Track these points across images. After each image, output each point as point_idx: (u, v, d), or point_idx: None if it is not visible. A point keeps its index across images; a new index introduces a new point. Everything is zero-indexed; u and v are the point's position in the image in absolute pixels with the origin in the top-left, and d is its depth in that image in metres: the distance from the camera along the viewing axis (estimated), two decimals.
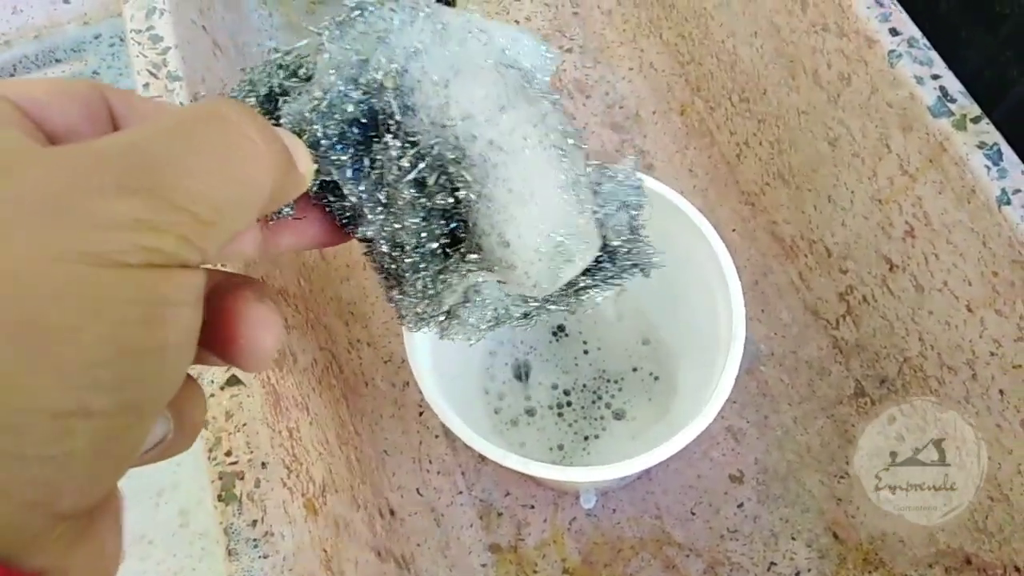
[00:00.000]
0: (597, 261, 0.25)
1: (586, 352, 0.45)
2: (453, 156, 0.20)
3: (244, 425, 0.31)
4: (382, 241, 0.21)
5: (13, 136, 0.14)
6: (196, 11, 0.47)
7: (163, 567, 0.43)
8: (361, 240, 0.22)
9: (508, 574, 0.42)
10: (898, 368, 0.43)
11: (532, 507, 0.44)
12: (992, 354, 0.36)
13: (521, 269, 0.21)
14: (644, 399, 0.44)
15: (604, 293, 0.26)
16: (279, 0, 0.64)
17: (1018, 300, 0.34)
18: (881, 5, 0.39)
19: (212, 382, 0.31)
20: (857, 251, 0.43)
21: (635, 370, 0.45)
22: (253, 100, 0.21)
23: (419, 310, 0.23)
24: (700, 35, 0.53)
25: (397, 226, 0.21)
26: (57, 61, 0.61)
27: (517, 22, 0.61)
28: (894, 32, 0.38)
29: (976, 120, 0.35)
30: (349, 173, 0.20)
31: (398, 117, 0.20)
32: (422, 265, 0.22)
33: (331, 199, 0.21)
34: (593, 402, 0.44)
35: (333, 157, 0.20)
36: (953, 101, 0.36)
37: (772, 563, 0.41)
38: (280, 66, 0.21)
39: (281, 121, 0.20)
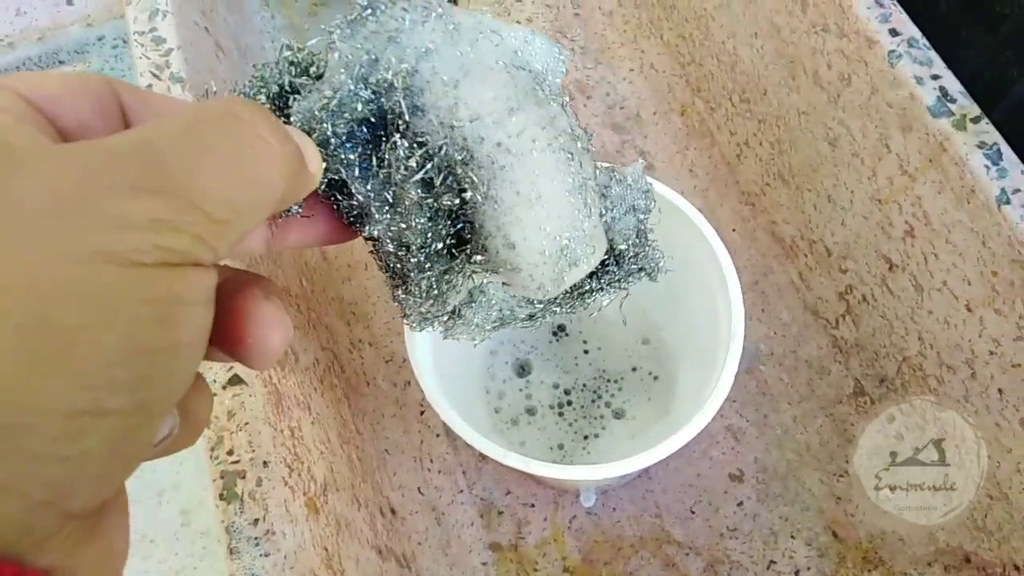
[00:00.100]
0: (603, 265, 0.25)
1: (586, 352, 0.46)
2: (461, 157, 0.20)
3: (246, 424, 0.31)
4: (388, 240, 0.21)
5: (25, 132, 0.14)
6: (199, 13, 0.47)
7: (165, 566, 0.43)
8: (367, 239, 0.22)
9: (509, 572, 0.42)
10: (897, 367, 0.43)
11: (532, 506, 0.44)
12: (991, 353, 0.36)
13: (526, 272, 0.21)
14: (644, 398, 0.44)
15: (609, 296, 0.26)
16: (282, 2, 0.64)
17: (1017, 299, 0.34)
18: (881, 5, 0.39)
19: (214, 381, 0.32)
20: (857, 251, 0.44)
21: (635, 370, 0.45)
22: (264, 97, 0.21)
23: (423, 310, 0.23)
24: (701, 36, 0.53)
25: (403, 226, 0.21)
26: (60, 63, 0.61)
27: (518, 23, 0.61)
28: (894, 32, 0.38)
29: (976, 120, 0.35)
30: (357, 172, 0.20)
31: (407, 117, 0.20)
32: (427, 265, 0.22)
33: (338, 197, 0.21)
34: (593, 401, 0.44)
35: (342, 156, 0.20)
36: (953, 101, 0.36)
37: (772, 561, 0.42)
38: (292, 63, 0.21)
39: (291, 119, 0.20)
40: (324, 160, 0.20)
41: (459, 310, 0.25)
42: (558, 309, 0.27)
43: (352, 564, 0.34)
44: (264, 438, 0.31)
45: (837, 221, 0.44)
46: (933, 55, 0.37)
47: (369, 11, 0.21)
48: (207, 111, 0.15)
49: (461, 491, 0.44)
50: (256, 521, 0.29)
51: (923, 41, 0.38)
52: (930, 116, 0.36)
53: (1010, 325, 0.35)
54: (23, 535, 0.12)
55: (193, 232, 0.13)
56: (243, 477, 0.30)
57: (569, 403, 0.44)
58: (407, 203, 0.20)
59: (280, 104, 0.21)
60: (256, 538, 0.29)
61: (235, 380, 0.32)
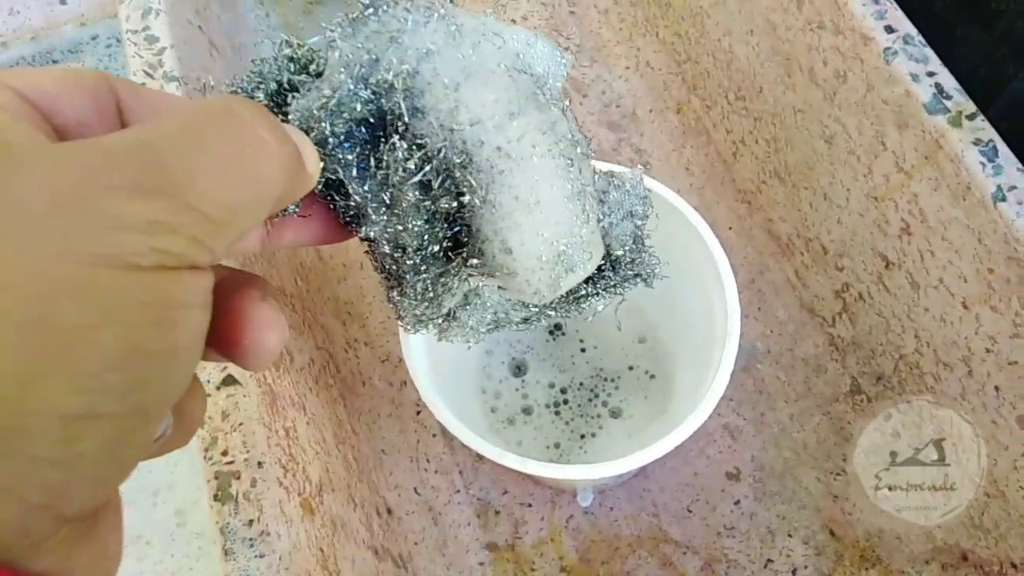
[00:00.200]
0: (599, 270, 0.25)
1: (583, 351, 0.45)
2: (460, 160, 0.20)
3: (240, 425, 0.31)
4: (384, 242, 0.21)
5: (22, 130, 0.14)
6: (192, 11, 0.47)
7: (160, 567, 0.43)
8: (363, 240, 0.22)
9: (506, 572, 0.42)
10: (894, 365, 0.43)
11: (529, 505, 0.44)
12: (988, 351, 0.36)
13: (522, 276, 0.21)
14: (640, 397, 0.44)
15: (605, 301, 0.26)
16: (276, 0, 0.64)
17: (1013, 297, 0.34)
18: (876, 2, 0.39)
19: (208, 382, 0.31)
20: (853, 248, 0.44)
21: (631, 368, 0.45)
22: (262, 94, 0.21)
23: (418, 312, 0.23)
24: (696, 34, 0.53)
25: (400, 228, 0.21)
26: (54, 62, 0.61)
27: (514, 21, 0.61)
28: (890, 29, 0.38)
29: (971, 117, 0.35)
30: (355, 172, 0.20)
31: (406, 119, 0.20)
32: (423, 268, 0.22)
33: (335, 197, 0.21)
34: (590, 400, 0.44)
35: (340, 156, 0.20)
36: (949, 98, 0.36)
37: (769, 560, 0.41)
38: (291, 59, 0.21)
39: (289, 117, 0.20)
40: (322, 160, 0.20)
41: (454, 312, 0.25)
42: (553, 313, 0.26)
43: (348, 565, 0.34)
44: (259, 438, 0.31)
45: (833, 219, 0.44)
46: (929, 52, 0.37)
47: (371, 10, 0.21)
48: (205, 110, 0.15)
49: (458, 491, 0.44)
50: (251, 522, 0.29)
51: (919, 38, 0.38)
52: (926, 113, 0.36)
53: (1006, 322, 0.35)
54: (18, 539, 0.12)
55: (190, 234, 0.13)
56: (237, 478, 0.30)
57: (566, 402, 0.44)
58: (404, 205, 0.20)
59: (278, 101, 0.21)
60: (251, 539, 0.29)
61: (229, 380, 0.32)
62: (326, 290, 0.49)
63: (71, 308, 0.12)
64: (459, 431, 0.32)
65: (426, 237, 0.21)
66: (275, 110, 0.21)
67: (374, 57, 0.20)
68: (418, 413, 0.46)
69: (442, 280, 0.22)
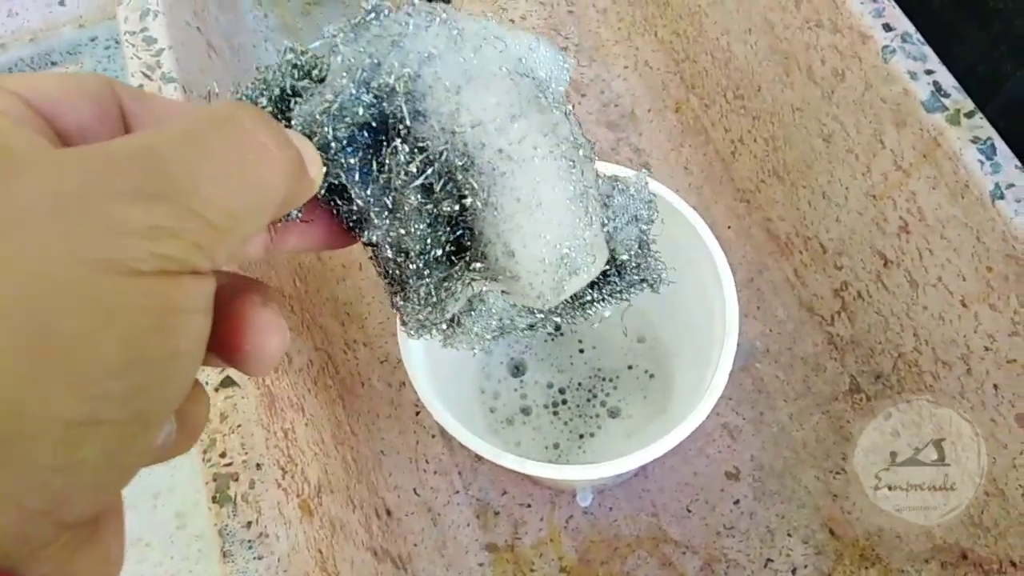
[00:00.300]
0: (604, 275, 0.25)
1: (581, 351, 0.45)
2: (461, 163, 0.20)
3: (238, 426, 0.31)
4: (387, 246, 0.21)
5: (24, 135, 0.14)
6: (190, 13, 0.47)
7: (160, 569, 0.43)
8: (366, 245, 0.22)
9: (505, 573, 0.42)
10: (893, 364, 0.43)
11: (529, 506, 0.44)
12: (986, 349, 0.36)
13: (525, 280, 0.21)
14: (639, 397, 0.44)
15: (611, 307, 0.26)
16: (274, 1, 0.64)
17: (1012, 295, 0.34)
18: (874, 1, 0.39)
19: (207, 384, 0.31)
20: (852, 247, 0.43)
21: (630, 368, 0.45)
22: (266, 100, 0.21)
23: (421, 317, 0.23)
24: (694, 33, 0.53)
25: (402, 231, 0.21)
26: (53, 64, 0.61)
27: (512, 21, 0.61)
28: (888, 28, 0.38)
29: (970, 115, 0.35)
30: (357, 177, 0.20)
31: (408, 122, 0.20)
32: (426, 272, 0.22)
33: (338, 202, 0.21)
34: (588, 400, 0.44)
35: (342, 160, 0.20)
36: (947, 96, 0.36)
37: (769, 559, 0.41)
38: (295, 66, 0.21)
39: (292, 123, 0.20)
40: (324, 164, 0.20)
41: (458, 319, 0.25)
42: (559, 319, 0.26)
43: (347, 566, 0.34)
44: (257, 440, 0.31)
45: (832, 217, 0.44)
46: (927, 50, 0.37)
47: (373, 15, 0.21)
48: (208, 117, 0.15)
49: (457, 492, 0.44)
50: (249, 524, 0.29)
51: (917, 36, 0.38)
52: (924, 111, 0.36)
53: (1005, 320, 0.35)
54: (18, 545, 0.12)
55: (192, 239, 0.13)
56: (236, 480, 0.30)
57: (564, 402, 0.44)
58: (406, 208, 0.20)
59: (282, 107, 0.21)
60: (249, 541, 0.29)
61: (227, 382, 0.32)
62: (325, 291, 0.49)
63: (72, 313, 0.12)
64: (457, 432, 0.32)
65: (429, 241, 0.21)
66: (279, 116, 0.21)
67: (376, 61, 0.20)
68: (417, 414, 0.46)
69: (445, 285, 0.22)
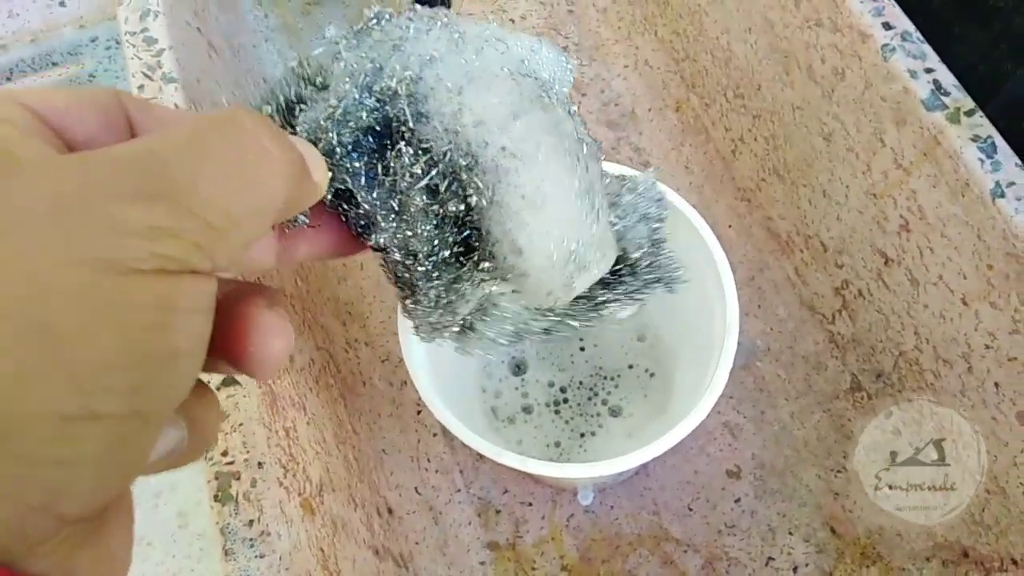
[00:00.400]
0: (618, 275, 0.25)
1: (582, 349, 0.45)
2: (466, 163, 0.20)
3: (240, 425, 0.31)
4: (395, 249, 0.21)
5: (32, 144, 0.14)
6: (191, 13, 0.47)
7: (162, 568, 0.43)
8: (376, 250, 0.22)
9: (507, 572, 0.42)
10: (894, 362, 0.43)
11: (530, 504, 0.44)
12: (987, 347, 0.36)
13: (534, 277, 0.21)
14: (640, 395, 0.44)
15: (627, 308, 0.26)
16: (275, 1, 0.64)
17: (1013, 293, 0.34)
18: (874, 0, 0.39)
19: (208, 382, 0.31)
20: (852, 246, 0.44)
21: (631, 367, 0.45)
22: (271, 109, 0.21)
23: (433, 320, 0.23)
24: (694, 32, 0.53)
25: (409, 233, 0.21)
26: (54, 64, 0.61)
27: (512, 20, 0.61)
28: (887, 26, 0.38)
29: (970, 113, 0.35)
30: (363, 181, 0.20)
31: (411, 124, 0.20)
32: (435, 274, 0.22)
33: (345, 207, 0.21)
34: (589, 399, 0.44)
35: (347, 165, 0.20)
36: (947, 94, 0.36)
37: (770, 558, 0.41)
38: (299, 75, 0.21)
39: (297, 129, 0.20)
40: (330, 169, 0.20)
41: (471, 323, 0.25)
42: (574, 322, 0.26)
43: (349, 565, 0.34)
44: (259, 439, 0.31)
45: (832, 216, 0.44)
46: (927, 48, 0.37)
47: (375, 21, 0.21)
48: (210, 120, 0.15)
49: (458, 490, 0.44)
50: (251, 522, 0.29)
51: (916, 34, 0.38)
52: (924, 110, 0.36)
53: (1006, 318, 0.35)
54: (17, 540, 0.12)
55: (191, 239, 0.13)
56: (238, 478, 0.30)
57: (565, 401, 0.44)
58: (413, 210, 0.20)
59: (287, 116, 0.21)
60: (251, 539, 0.29)
61: (229, 381, 0.32)
62: (326, 290, 0.49)
63: (70, 312, 0.12)
64: (459, 430, 0.32)
65: (436, 242, 0.21)
66: (285, 126, 0.21)
67: (378, 66, 0.20)
68: (419, 413, 0.46)
69: (455, 286, 0.22)
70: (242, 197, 0.14)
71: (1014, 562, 0.36)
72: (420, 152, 0.20)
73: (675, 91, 0.56)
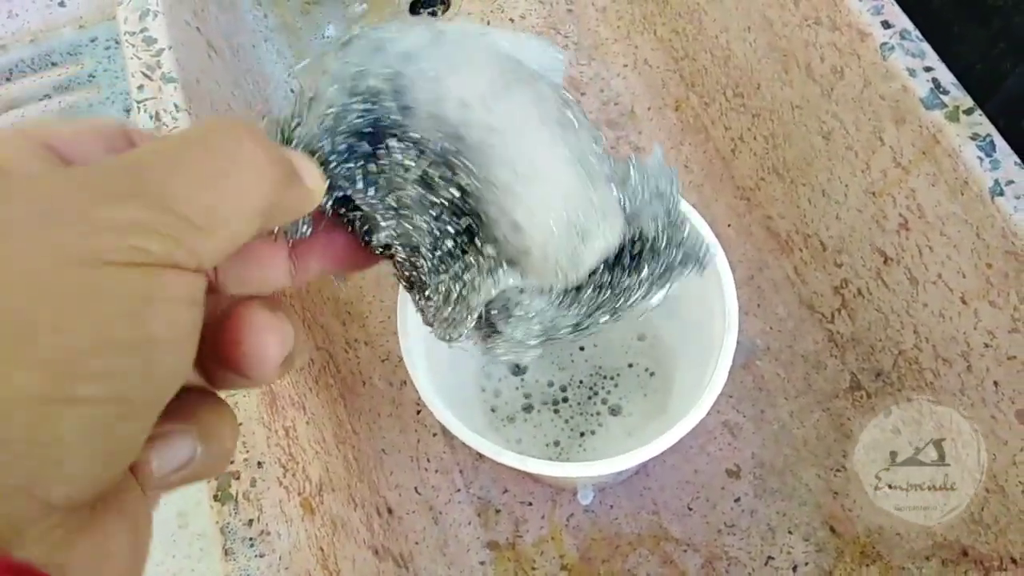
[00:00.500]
0: (638, 256, 0.24)
1: (582, 348, 0.45)
2: (453, 147, 0.20)
3: (240, 425, 0.31)
4: (399, 247, 0.22)
5: (30, 164, 0.15)
6: (190, 13, 0.47)
7: (162, 568, 0.43)
8: (382, 254, 0.22)
9: (506, 571, 0.42)
10: (893, 361, 0.43)
11: (530, 504, 0.44)
12: (987, 345, 0.36)
13: (537, 252, 0.21)
14: (640, 395, 0.44)
15: (655, 294, 0.25)
16: (274, 1, 0.64)
17: (1012, 291, 0.34)
18: None
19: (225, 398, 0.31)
20: (851, 244, 0.44)
21: (631, 366, 0.45)
22: (274, 136, 0.21)
23: (446, 315, 0.23)
24: (694, 31, 0.53)
25: (409, 227, 0.21)
26: (53, 64, 0.61)
27: (512, 20, 0.61)
28: (886, 25, 0.38)
29: (969, 112, 0.35)
30: (360, 184, 0.21)
31: (397, 117, 0.20)
32: (442, 267, 0.22)
33: (348, 214, 0.22)
34: (589, 398, 0.44)
35: (344, 171, 0.21)
36: (946, 93, 0.36)
37: (770, 557, 0.41)
38: (295, 96, 0.22)
39: (294, 144, 0.21)
40: (329, 178, 0.20)
41: (495, 325, 0.24)
42: (605, 317, 0.25)
43: (348, 564, 0.34)
44: (258, 438, 0.31)
45: (832, 215, 0.44)
46: (926, 47, 0.37)
47: (359, 32, 0.21)
48: (196, 127, 0.16)
49: (458, 490, 0.44)
50: (251, 522, 0.29)
51: (915, 33, 0.38)
52: (923, 108, 0.36)
53: (1005, 317, 0.35)
54: (2, 523, 0.12)
55: (167, 234, 0.14)
56: (237, 478, 0.30)
57: (565, 400, 0.44)
58: (409, 203, 0.21)
59: (288, 136, 0.21)
60: (251, 539, 0.29)
61: None
62: (326, 290, 0.49)
63: (44, 300, 0.13)
64: (458, 430, 0.32)
65: (438, 233, 0.21)
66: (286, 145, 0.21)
67: (361, 69, 0.21)
68: (418, 412, 0.46)
69: (464, 277, 0.22)
70: (223, 195, 0.15)
71: (1013, 561, 0.36)
72: (409, 144, 0.20)
73: (674, 90, 0.56)
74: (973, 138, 0.35)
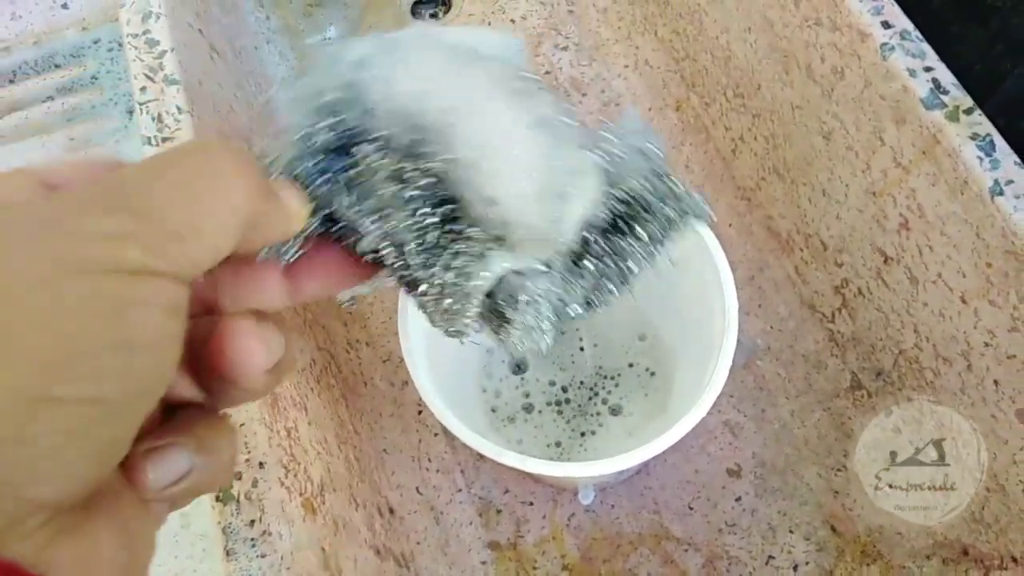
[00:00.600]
0: (632, 217, 0.24)
1: (583, 348, 0.46)
2: (418, 136, 0.21)
3: (241, 425, 0.31)
4: (387, 249, 0.22)
5: (28, 196, 0.16)
6: (193, 15, 0.47)
7: (164, 568, 0.43)
8: (375, 261, 0.23)
9: (508, 571, 0.42)
10: (894, 360, 0.43)
11: (531, 504, 0.44)
12: (987, 345, 0.36)
13: (517, 221, 0.21)
14: (641, 395, 0.44)
15: (656, 256, 0.25)
16: (276, 3, 0.64)
17: (1012, 290, 0.34)
18: None
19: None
20: (852, 244, 0.44)
21: (631, 366, 0.45)
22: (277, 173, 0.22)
23: (445, 307, 0.23)
24: (694, 31, 0.53)
25: (391, 224, 0.21)
26: (56, 66, 0.61)
27: (513, 21, 0.61)
28: (886, 25, 0.38)
29: (969, 111, 0.35)
30: (341, 198, 0.21)
31: (359, 123, 0.21)
32: (431, 260, 0.22)
33: (334, 229, 0.22)
34: (590, 398, 0.44)
35: (324, 189, 0.21)
36: (946, 93, 0.36)
37: (770, 556, 0.42)
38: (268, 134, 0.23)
39: (278, 175, 0.21)
40: (314, 200, 0.21)
41: (504, 314, 0.24)
42: (610, 283, 0.25)
43: (350, 564, 0.34)
44: (260, 439, 0.31)
45: (832, 215, 0.44)
46: (926, 47, 0.37)
47: (312, 55, 0.22)
48: (178, 146, 0.17)
49: (459, 490, 0.44)
50: (252, 522, 0.29)
51: (915, 33, 0.38)
52: (923, 108, 0.36)
53: (1005, 316, 0.35)
54: None
55: (144, 243, 0.14)
56: (239, 478, 0.30)
57: (566, 400, 0.44)
58: (388, 202, 0.21)
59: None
60: (252, 539, 0.29)
61: None
62: None
63: (24, 305, 0.13)
64: (459, 430, 0.32)
65: (417, 227, 0.22)
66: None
67: (317, 88, 0.21)
68: (420, 413, 0.46)
69: (456, 266, 0.22)
70: (200, 207, 0.16)
71: (1014, 560, 0.36)
72: (377, 145, 0.21)
73: (675, 90, 0.56)
74: (973, 138, 0.35)
